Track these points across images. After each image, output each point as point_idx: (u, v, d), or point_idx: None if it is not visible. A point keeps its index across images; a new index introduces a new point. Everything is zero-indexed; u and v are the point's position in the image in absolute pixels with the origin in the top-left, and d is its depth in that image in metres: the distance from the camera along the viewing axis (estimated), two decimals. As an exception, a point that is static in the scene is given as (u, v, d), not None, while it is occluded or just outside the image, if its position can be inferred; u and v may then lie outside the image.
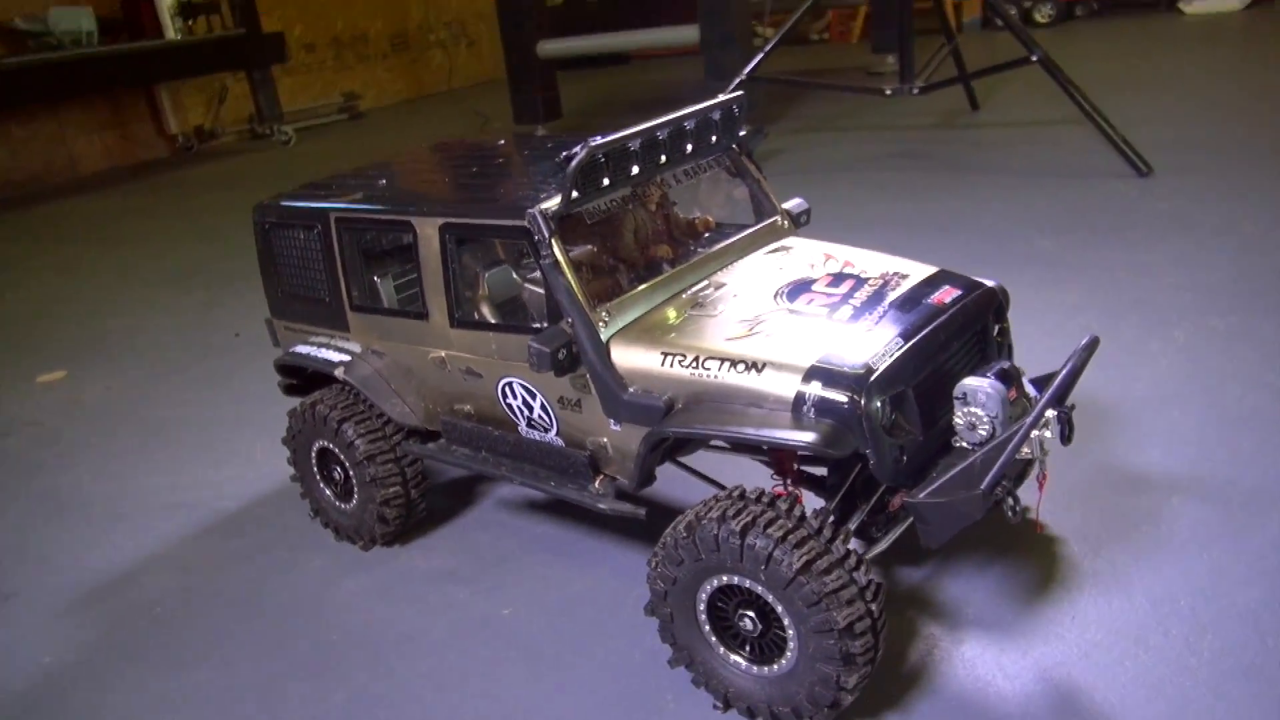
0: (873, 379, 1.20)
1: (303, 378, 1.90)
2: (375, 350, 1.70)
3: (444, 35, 9.35)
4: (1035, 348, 1.75)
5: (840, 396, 1.19)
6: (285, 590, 1.74)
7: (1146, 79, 5.36)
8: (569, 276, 1.35)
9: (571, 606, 1.58)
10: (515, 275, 1.65)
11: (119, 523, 2.05)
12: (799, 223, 1.70)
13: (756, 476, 1.62)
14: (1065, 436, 1.31)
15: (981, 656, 1.36)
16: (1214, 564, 1.47)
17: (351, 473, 1.75)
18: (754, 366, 1.25)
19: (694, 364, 1.29)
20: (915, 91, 4.20)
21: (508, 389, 1.51)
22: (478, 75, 9.52)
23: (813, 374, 1.22)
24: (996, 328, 1.42)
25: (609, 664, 1.44)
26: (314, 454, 1.81)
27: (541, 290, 1.58)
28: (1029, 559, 1.54)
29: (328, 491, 1.84)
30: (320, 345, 1.78)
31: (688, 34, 5.08)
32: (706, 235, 1.68)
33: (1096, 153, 3.76)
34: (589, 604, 1.58)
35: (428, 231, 1.50)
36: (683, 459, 1.55)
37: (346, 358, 1.73)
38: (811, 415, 1.20)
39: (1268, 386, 1.96)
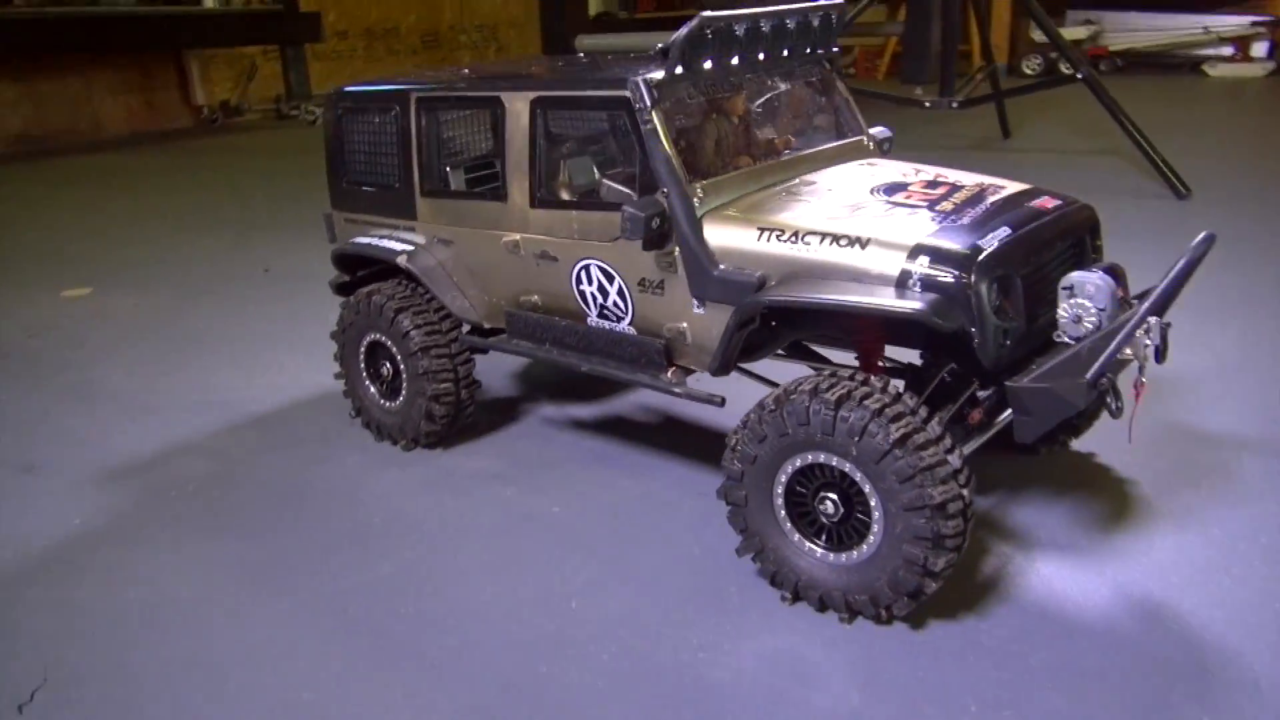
0: (981, 258, 1.17)
1: (356, 275, 1.86)
2: (442, 239, 1.66)
3: (475, 37, 9.40)
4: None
5: (948, 273, 1.16)
6: (322, 479, 1.69)
7: (1175, 125, 5.41)
8: (667, 145, 1.32)
9: (623, 507, 1.54)
10: (594, 168, 1.62)
11: (149, 414, 1.99)
12: (883, 149, 1.68)
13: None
14: (1161, 352, 1.28)
15: (1057, 573, 1.32)
16: (1290, 510, 1.44)
17: (403, 366, 1.70)
18: (857, 242, 1.22)
19: (793, 239, 1.26)
20: (955, 105, 4.22)
21: (583, 273, 1.47)
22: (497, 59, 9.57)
23: (919, 250, 1.19)
24: (1092, 244, 1.39)
25: (667, 558, 1.39)
26: (363, 348, 1.77)
27: (620, 187, 1.56)
28: (1099, 495, 1.50)
29: (373, 389, 1.79)
30: (383, 236, 1.74)
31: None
32: (785, 150, 1.66)
33: (1134, 175, 3.77)
34: (641, 506, 1.53)
35: (518, 107, 1.47)
36: (751, 366, 1.51)
37: (410, 247, 1.69)
38: (916, 289, 1.17)
39: (1326, 372, 1.94)
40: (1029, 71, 7.60)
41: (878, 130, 1.69)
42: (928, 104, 4.27)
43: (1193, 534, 1.39)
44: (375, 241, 1.74)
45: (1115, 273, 1.23)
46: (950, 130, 5.12)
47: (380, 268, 1.80)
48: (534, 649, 1.21)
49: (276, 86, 7.54)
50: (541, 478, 1.65)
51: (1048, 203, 1.35)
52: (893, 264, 1.19)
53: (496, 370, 2.06)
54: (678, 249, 1.34)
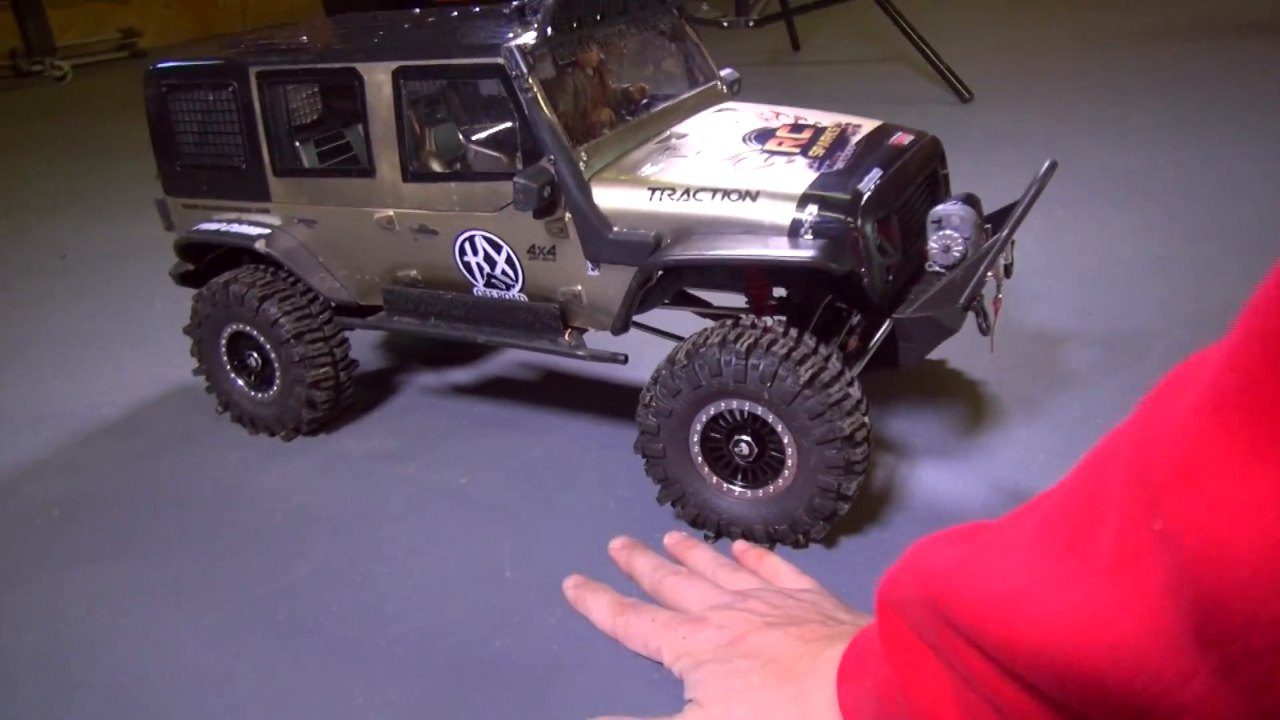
0: (864, 201, 1.25)
1: (201, 263, 1.75)
2: (303, 219, 1.59)
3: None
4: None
5: (836, 219, 1.24)
6: (204, 483, 1.61)
7: (957, 29, 5.76)
8: (549, 112, 1.32)
9: (529, 470, 1.56)
10: (459, 134, 1.59)
11: (-21, 436, 1.82)
12: (733, 90, 1.73)
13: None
14: (1009, 269, 1.43)
15: (938, 476, 1.46)
16: (1116, 390, 1.65)
17: (274, 356, 1.64)
18: (748, 195, 1.28)
19: (685, 196, 1.30)
20: (750, 24, 4.34)
21: (467, 244, 1.46)
22: (274, 14, 8.92)
23: (807, 200, 1.26)
24: (942, 174, 1.51)
25: (586, 514, 1.44)
26: (224, 340, 1.68)
27: (489, 151, 1.55)
28: (958, 398, 1.66)
29: (240, 382, 1.71)
30: (232, 220, 1.65)
31: None
32: (644, 101, 1.68)
33: (919, 82, 4.03)
34: (546, 466, 1.57)
35: (378, 78, 1.42)
36: (644, 319, 1.55)
37: (266, 230, 1.61)
38: (808, 236, 1.24)
39: (1119, 258, 2.19)
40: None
41: (726, 73, 1.75)
42: (725, 24, 4.37)
43: (1041, 423, 1.57)
44: (226, 227, 1.64)
45: (972, 202, 1.34)
46: (744, 47, 5.27)
47: (229, 254, 1.70)
48: (480, 625, 1.24)
49: (11, 39, 6.74)
50: (438, 450, 1.65)
51: (902, 139, 1.45)
52: (784, 214, 1.26)
53: (362, 342, 2.01)
54: (568, 214, 1.35)
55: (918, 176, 1.41)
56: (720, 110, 1.61)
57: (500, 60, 1.31)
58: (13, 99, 5.83)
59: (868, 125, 1.51)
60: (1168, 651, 0.54)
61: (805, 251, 1.23)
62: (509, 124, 1.60)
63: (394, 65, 1.40)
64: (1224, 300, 1.92)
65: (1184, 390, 0.58)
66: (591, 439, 1.63)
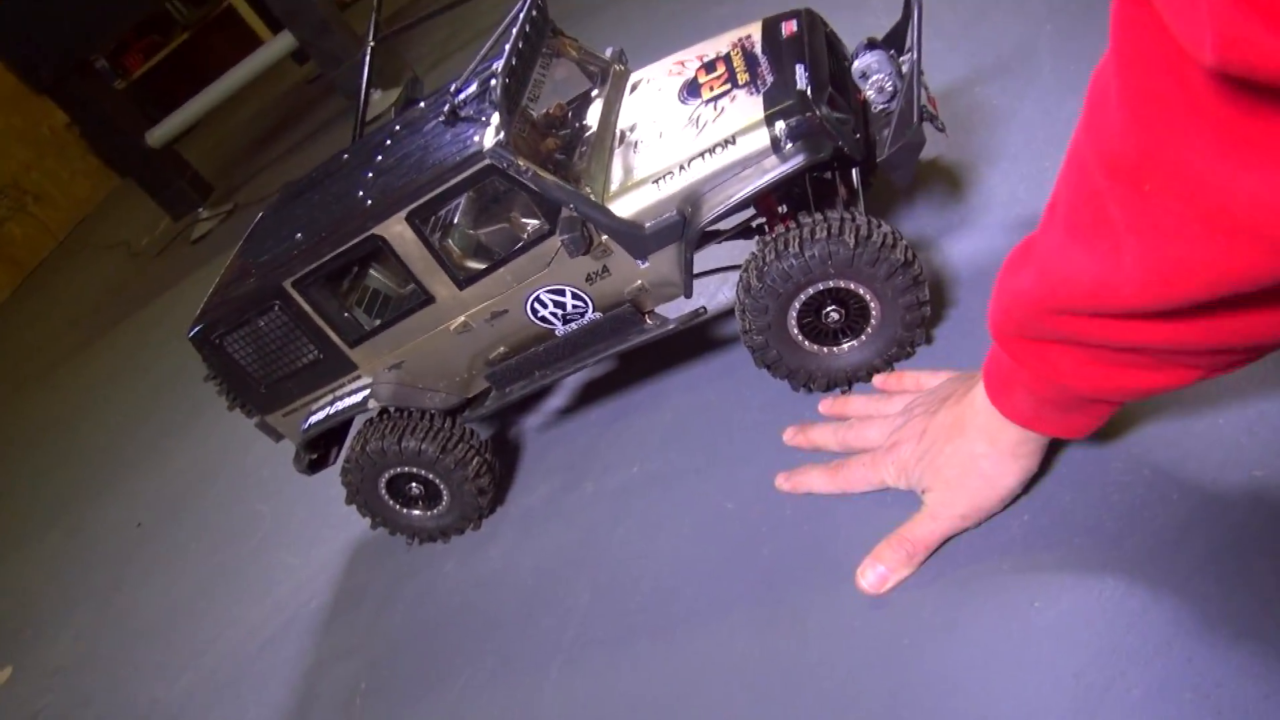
0: (810, 94, 1.54)
1: (320, 448, 1.99)
2: (389, 366, 1.84)
3: (5, 206, 8.44)
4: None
5: (800, 118, 1.53)
6: (452, 597, 1.87)
7: None
8: (549, 176, 1.57)
9: (677, 433, 1.84)
10: (467, 232, 1.83)
11: (231, 686, 2.07)
12: (624, 62, 1.98)
13: (738, 248, 1.93)
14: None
15: (963, 244, 1.79)
16: (1035, 105, 1.98)
17: (431, 475, 1.90)
18: (728, 142, 1.56)
19: (681, 171, 1.58)
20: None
21: (535, 303, 1.72)
22: (73, 216, 8.73)
23: (771, 119, 1.54)
24: (829, 33, 1.80)
25: (744, 434, 1.73)
26: (383, 488, 1.94)
27: (495, 227, 1.81)
28: (930, 181, 1.98)
29: (415, 512, 1.98)
30: (331, 401, 1.89)
31: (282, 43, 5.05)
32: (569, 115, 1.93)
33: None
34: (688, 421, 1.85)
35: (397, 229, 1.65)
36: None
37: (365, 390, 1.86)
38: (789, 145, 1.53)
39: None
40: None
41: (610, 52, 1.99)
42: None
43: (1002, 161, 1.90)
44: (334, 409, 1.88)
45: (874, 43, 1.64)
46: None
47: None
48: (743, 551, 1.55)
49: None
50: (596, 463, 1.93)
51: (791, 27, 1.73)
52: (762, 139, 1.54)
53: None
54: (604, 237, 1.62)
55: (821, 48, 1.69)
56: (635, 87, 1.87)
57: (491, 161, 1.56)
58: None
59: (754, 31, 1.78)
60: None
61: (796, 159, 1.52)
62: (490, 199, 1.86)
63: (404, 213, 1.64)
64: None
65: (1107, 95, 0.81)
66: (699, 380, 1.93)
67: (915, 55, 1.58)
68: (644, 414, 1.96)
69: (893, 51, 1.69)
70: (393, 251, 1.68)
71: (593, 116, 1.83)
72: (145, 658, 2.38)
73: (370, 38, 4.45)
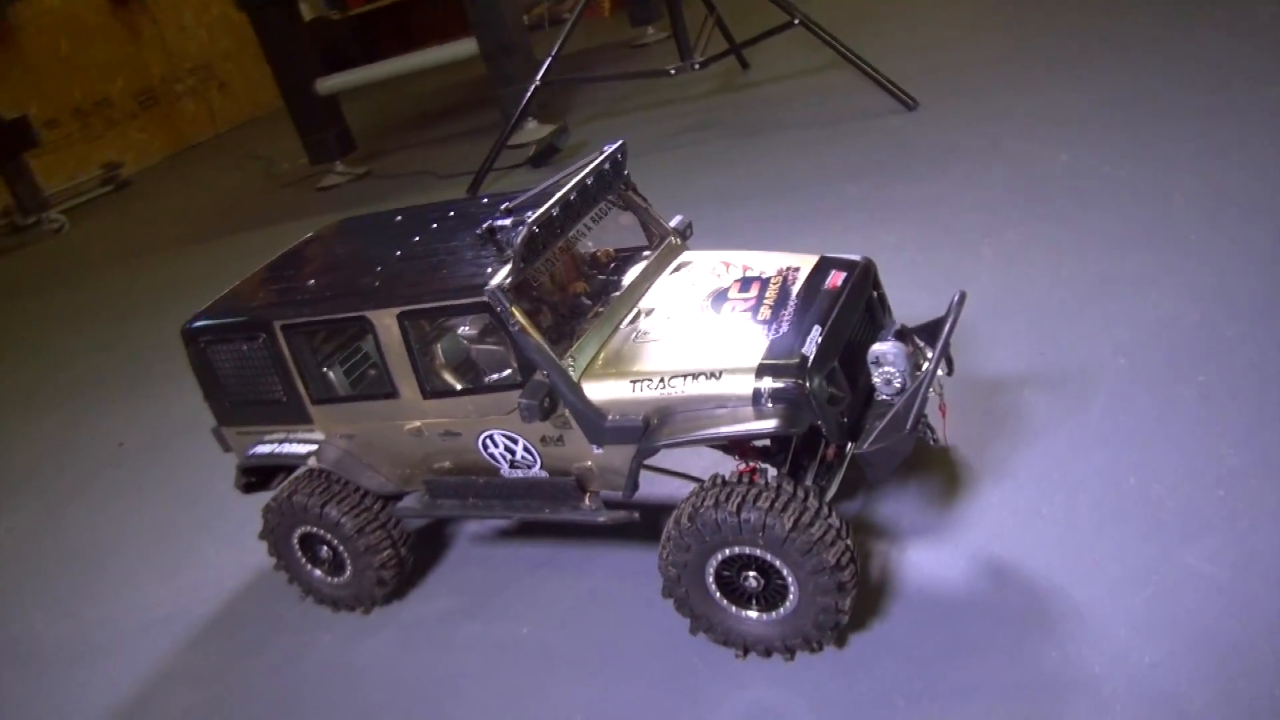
0: (809, 364, 1.49)
1: (261, 473, 2.01)
2: (343, 434, 1.84)
3: (192, 83, 8.96)
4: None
5: (789, 384, 1.47)
6: (310, 670, 1.87)
7: (895, 13, 5.94)
8: (536, 336, 1.56)
9: (581, 610, 1.81)
10: (461, 340, 1.83)
11: (101, 657, 2.09)
12: (686, 236, 1.97)
13: (713, 458, 1.89)
14: (949, 370, 1.67)
15: (924, 558, 1.70)
16: (1069, 438, 1.87)
17: (342, 549, 1.89)
18: (713, 375, 1.51)
19: (660, 384, 1.54)
20: (698, 67, 4.54)
21: (489, 440, 1.70)
22: (240, 115, 9.20)
23: (762, 370, 1.49)
24: (876, 294, 1.74)
25: (635, 648, 1.69)
26: (296, 540, 1.94)
27: (488, 346, 1.80)
28: (934, 470, 1.89)
29: (317, 572, 1.97)
30: (281, 441, 1.90)
31: (466, 48, 5.22)
32: (611, 265, 1.92)
33: (865, 93, 4.22)
34: (596, 604, 1.81)
35: (386, 322, 1.66)
36: (650, 460, 1.80)
37: (313, 446, 1.86)
38: (769, 404, 1.48)
39: (1063, 280, 2.41)
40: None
41: (677, 221, 1.98)
42: (673, 71, 4.57)
43: (1007, 485, 1.80)
44: (279, 449, 1.89)
45: (902, 335, 1.58)
46: (697, 77, 5.47)
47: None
48: (566, 774, 1.49)
49: (3, 198, 7.04)
50: (497, 602, 1.89)
51: (837, 279, 1.68)
52: (745, 386, 1.50)
53: (408, 502, 2.26)
54: (568, 411, 1.60)
55: (855, 314, 1.64)
56: (676, 269, 1.85)
57: (486, 299, 1.55)
58: (19, 263, 6.12)
59: (806, 265, 1.74)
60: None
61: (769, 422, 1.47)
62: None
63: (397, 311, 1.65)
64: (1161, 316, 2.14)
65: None
66: (628, 568, 1.87)
67: (934, 361, 1.51)
68: (565, 576, 1.91)
69: (919, 346, 1.63)
70: (376, 339, 1.69)
71: (629, 277, 1.81)
72: (47, 583, 2.42)
73: (539, 77, 4.58)
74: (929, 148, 3.54)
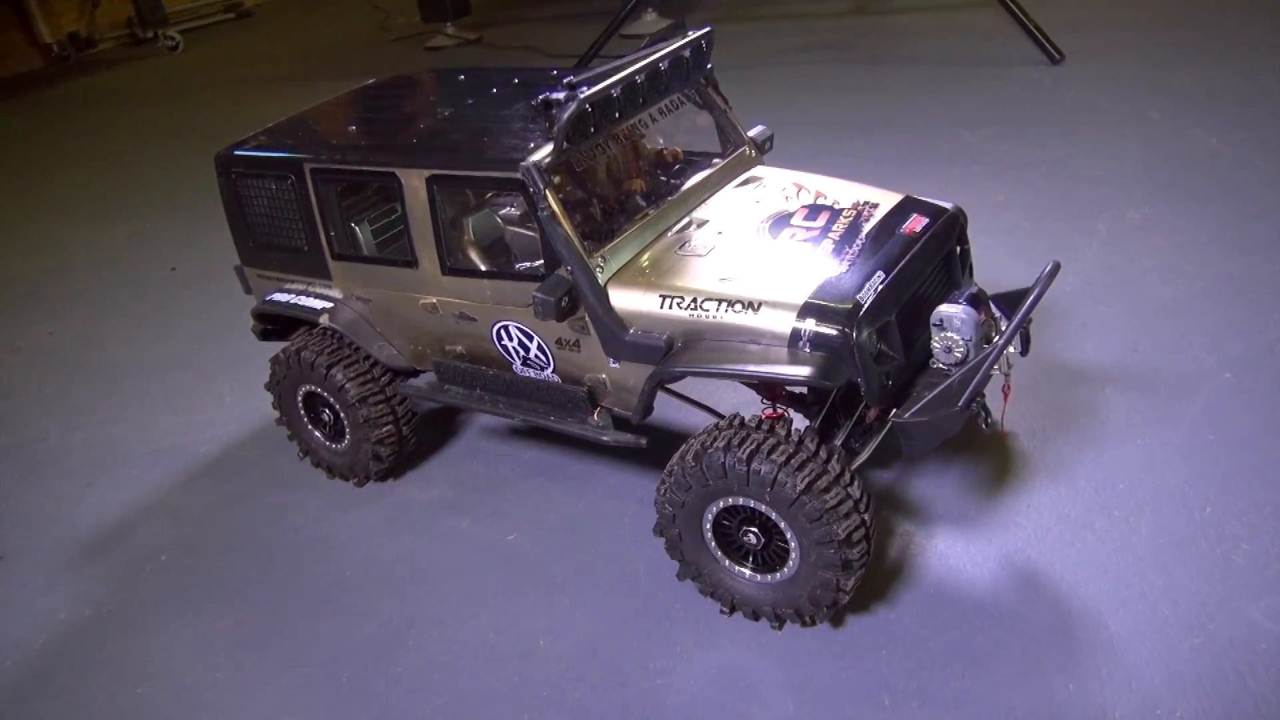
0: (861, 313, 1.31)
1: (280, 321, 1.92)
2: (359, 297, 1.73)
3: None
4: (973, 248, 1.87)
5: (833, 330, 1.30)
6: (288, 532, 1.80)
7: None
8: (566, 227, 1.40)
9: (572, 527, 1.69)
10: (496, 218, 1.69)
11: (102, 475, 2.06)
12: (763, 149, 1.77)
13: (744, 395, 1.73)
14: (1025, 349, 1.46)
15: (952, 548, 1.52)
16: (1146, 448, 1.66)
17: (343, 415, 1.80)
18: (750, 306, 1.34)
19: (692, 305, 1.38)
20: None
21: (503, 331, 1.57)
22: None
23: (806, 310, 1.32)
24: (959, 249, 1.54)
25: (617, 579, 1.57)
26: (300, 398, 1.85)
27: (524, 231, 1.65)
28: (986, 454, 1.70)
29: (317, 434, 1.89)
30: (299, 292, 1.80)
31: (598, -77, 4.95)
32: (676, 166, 1.74)
33: (1010, 38, 3.87)
34: (589, 524, 1.69)
35: (414, 183, 1.52)
36: (675, 386, 1.64)
37: (329, 304, 1.76)
38: (806, 349, 1.31)
39: (1181, 275, 2.14)
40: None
41: (757, 131, 1.78)
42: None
43: (1063, 487, 1.61)
44: (293, 299, 1.79)
45: (977, 300, 1.37)
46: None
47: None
48: (513, 698, 1.39)
49: (125, 8, 7.06)
50: (491, 501, 1.79)
51: (917, 224, 1.48)
52: (784, 324, 1.32)
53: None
54: (587, 315, 1.45)
55: (929, 266, 1.44)
56: (744, 183, 1.66)
57: (519, 176, 1.40)
58: (129, 73, 6.15)
59: (886, 203, 1.54)
60: None
61: (802, 368, 1.29)
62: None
63: (427, 173, 1.50)
64: (1278, 335, 1.88)
65: None
66: (630, 493, 1.74)
67: (1007, 335, 1.31)
68: (564, 489, 1.79)
69: (994, 316, 1.42)
70: (402, 199, 1.55)
71: (691, 181, 1.63)
72: (70, 393, 2.41)
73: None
74: (1065, 106, 3.22)
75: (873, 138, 3.19)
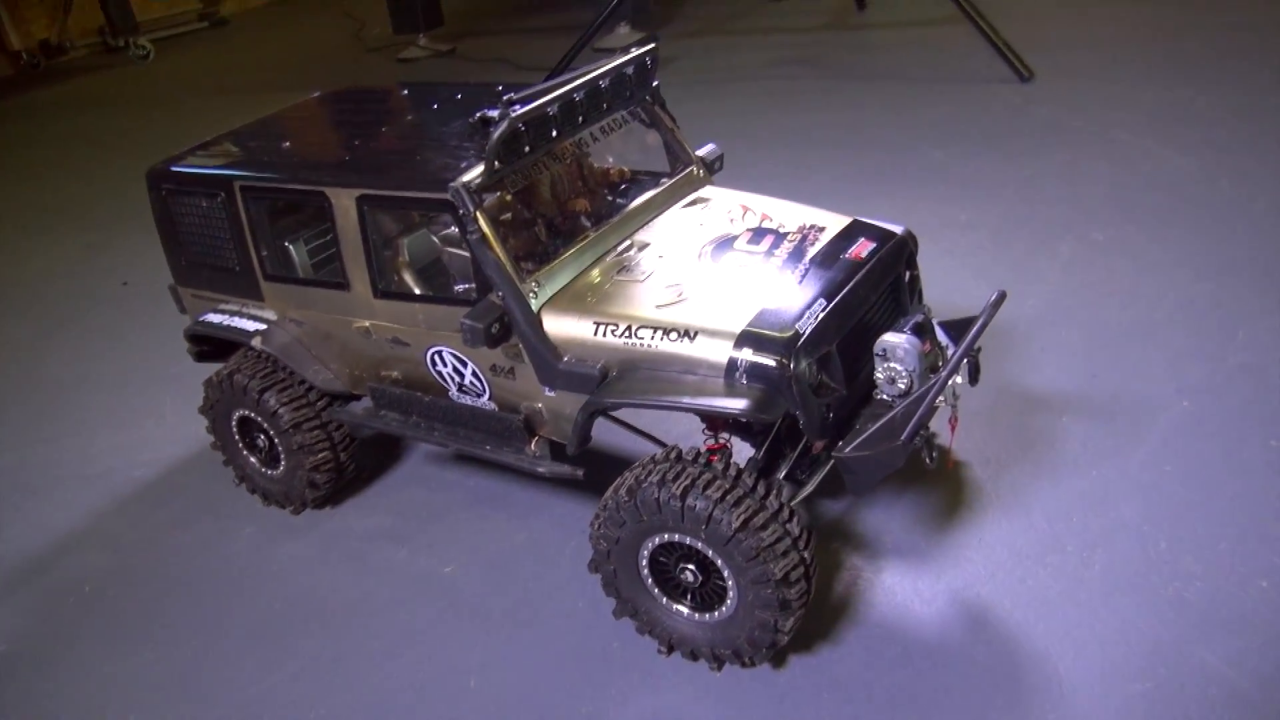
0: (800, 344, 1.26)
1: (216, 343, 1.85)
2: (293, 319, 1.67)
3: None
4: (932, 269, 1.80)
5: (770, 361, 1.25)
6: (219, 561, 1.74)
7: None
8: (497, 250, 1.35)
9: (511, 560, 1.63)
10: (434, 239, 1.63)
11: (32, 497, 1.99)
12: (713, 169, 1.72)
13: (689, 423, 1.68)
14: (973, 378, 1.41)
15: (900, 584, 1.47)
16: (1102, 479, 1.61)
17: (277, 441, 1.74)
18: (686, 334, 1.29)
19: (626, 333, 1.32)
20: (805, -4, 4.19)
21: (437, 357, 1.51)
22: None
23: (743, 339, 1.27)
24: (909, 274, 1.49)
25: (554, 615, 1.51)
26: (234, 422, 1.79)
27: (461, 252, 1.59)
28: (938, 485, 1.65)
29: (252, 459, 1.82)
30: (233, 314, 1.74)
31: (571, -65, 4.91)
32: (622, 185, 1.69)
33: (980, 56, 3.84)
34: (529, 556, 1.63)
35: (344, 203, 1.47)
36: (618, 413, 1.59)
37: (262, 326, 1.69)
38: (743, 380, 1.26)
39: (1143, 298, 2.11)
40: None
41: (706, 150, 1.73)
42: (779, -3, 4.23)
43: (1016, 519, 1.56)
44: (226, 321, 1.73)
45: (922, 328, 1.33)
46: (809, 7, 5.10)
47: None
48: (440, 741, 1.33)
49: (98, 16, 6.97)
50: (430, 532, 1.73)
51: (864, 248, 1.43)
52: (720, 353, 1.27)
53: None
54: (520, 342, 1.39)
55: (874, 293, 1.39)
56: (690, 204, 1.61)
57: (449, 196, 1.34)
58: (99, 82, 6.06)
59: (834, 226, 1.49)
60: None
61: (737, 400, 1.24)
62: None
63: (357, 193, 1.45)
64: (1239, 362, 1.84)
65: None
66: (576, 523, 1.68)
67: (951, 366, 1.27)
68: (506, 519, 1.73)
69: (940, 344, 1.38)
70: (333, 219, 1.49)
71: (636, 202, 1.58)
72: (6, 413, 2.33)
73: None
74: (1033, 125, 3.19)
75: (842, 154, 3.16)
